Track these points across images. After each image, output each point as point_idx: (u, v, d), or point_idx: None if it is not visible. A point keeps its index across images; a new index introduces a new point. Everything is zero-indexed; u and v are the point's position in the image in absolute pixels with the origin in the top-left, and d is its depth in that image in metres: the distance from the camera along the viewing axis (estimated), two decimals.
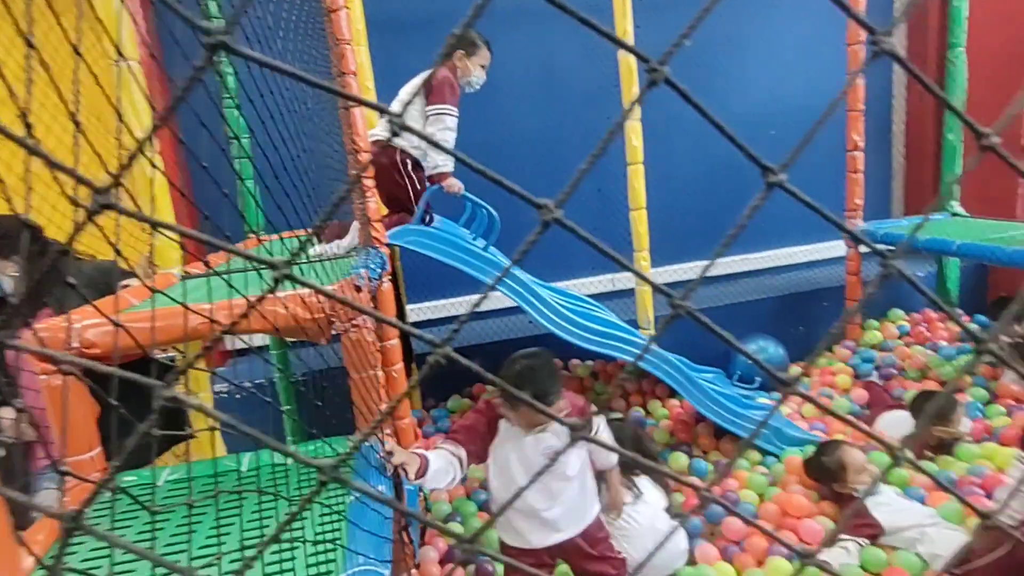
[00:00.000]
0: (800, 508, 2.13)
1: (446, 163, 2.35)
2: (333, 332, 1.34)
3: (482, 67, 2.48)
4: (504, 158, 3.40)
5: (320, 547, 1.07)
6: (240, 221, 1.72)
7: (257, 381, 3.01)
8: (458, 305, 3.55)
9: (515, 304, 3.46)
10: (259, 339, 3.10)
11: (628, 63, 2.87)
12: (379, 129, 2.36)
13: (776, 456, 2.49)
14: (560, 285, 3.42)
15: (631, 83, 2.88)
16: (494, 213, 2.39)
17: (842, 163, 3.30)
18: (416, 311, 3.55)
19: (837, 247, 3.73)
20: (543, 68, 3.54)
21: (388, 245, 2.15)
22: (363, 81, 2.71)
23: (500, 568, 2.00)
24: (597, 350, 2.41)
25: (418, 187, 2.38)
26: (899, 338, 3.42)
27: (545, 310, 2.35)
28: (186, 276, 1.82)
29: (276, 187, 1.07)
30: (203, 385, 2.30)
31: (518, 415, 1.53)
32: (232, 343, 3.27)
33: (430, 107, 2.33)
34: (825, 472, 2.14)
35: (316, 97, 1.96)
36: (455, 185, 2.35)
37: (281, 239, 1.09)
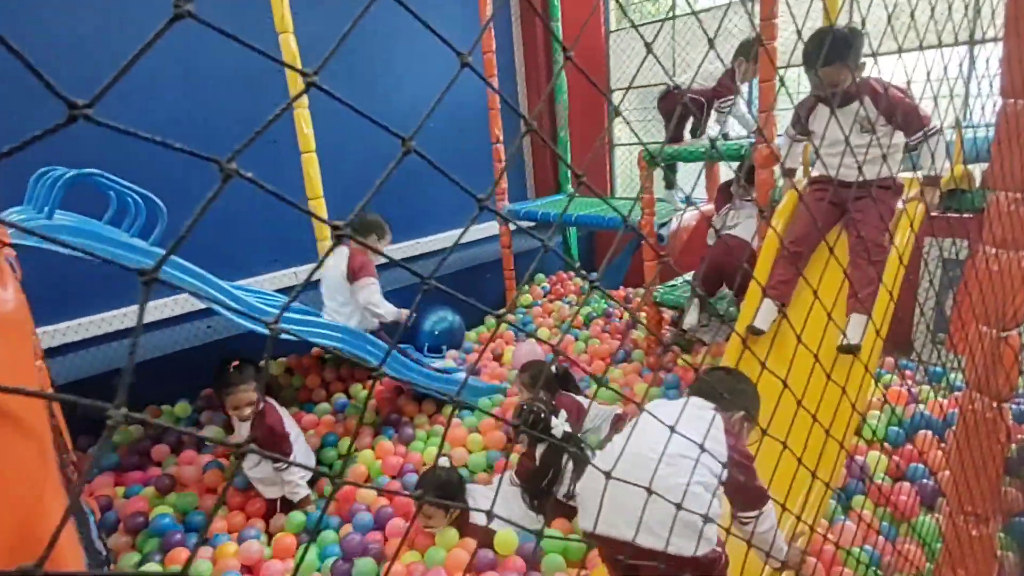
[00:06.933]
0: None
1: None
2: None
3: None
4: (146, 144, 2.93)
5: None
6: None
7: None
8: (95, 324, 2.98)
9: (194, 310, 3.10)
10: None
11: (291, 48, 2.80)
12: None
13: (471, 409, 2.84)
14: (241, 283, 3.18)
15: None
16: (157, 201, 2.08)
17: (490, 154, 3.85)
18: (45, 335, 2.84)
19: (492, 227, 4.32)
20: (189, 50, 3.15)
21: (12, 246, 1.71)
22: None
23: None
24: (308, 341, 2.35)
25: None
26: (544, 296, 4.21)
27: (237, 306, 2.17)
28: None
29: None
30: None
31: None
32: None
33: None
34: None
35: None
36: None
37: None
